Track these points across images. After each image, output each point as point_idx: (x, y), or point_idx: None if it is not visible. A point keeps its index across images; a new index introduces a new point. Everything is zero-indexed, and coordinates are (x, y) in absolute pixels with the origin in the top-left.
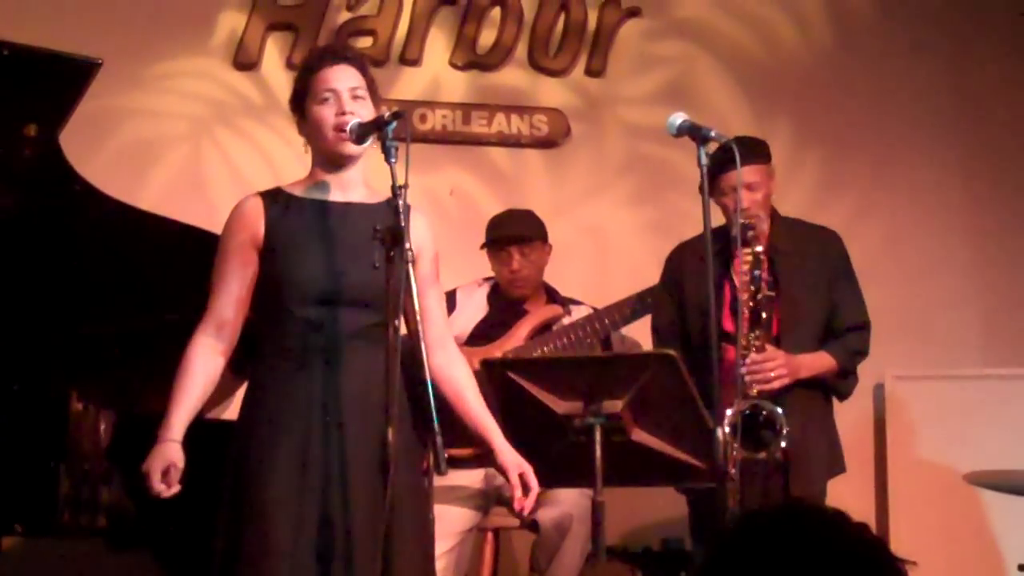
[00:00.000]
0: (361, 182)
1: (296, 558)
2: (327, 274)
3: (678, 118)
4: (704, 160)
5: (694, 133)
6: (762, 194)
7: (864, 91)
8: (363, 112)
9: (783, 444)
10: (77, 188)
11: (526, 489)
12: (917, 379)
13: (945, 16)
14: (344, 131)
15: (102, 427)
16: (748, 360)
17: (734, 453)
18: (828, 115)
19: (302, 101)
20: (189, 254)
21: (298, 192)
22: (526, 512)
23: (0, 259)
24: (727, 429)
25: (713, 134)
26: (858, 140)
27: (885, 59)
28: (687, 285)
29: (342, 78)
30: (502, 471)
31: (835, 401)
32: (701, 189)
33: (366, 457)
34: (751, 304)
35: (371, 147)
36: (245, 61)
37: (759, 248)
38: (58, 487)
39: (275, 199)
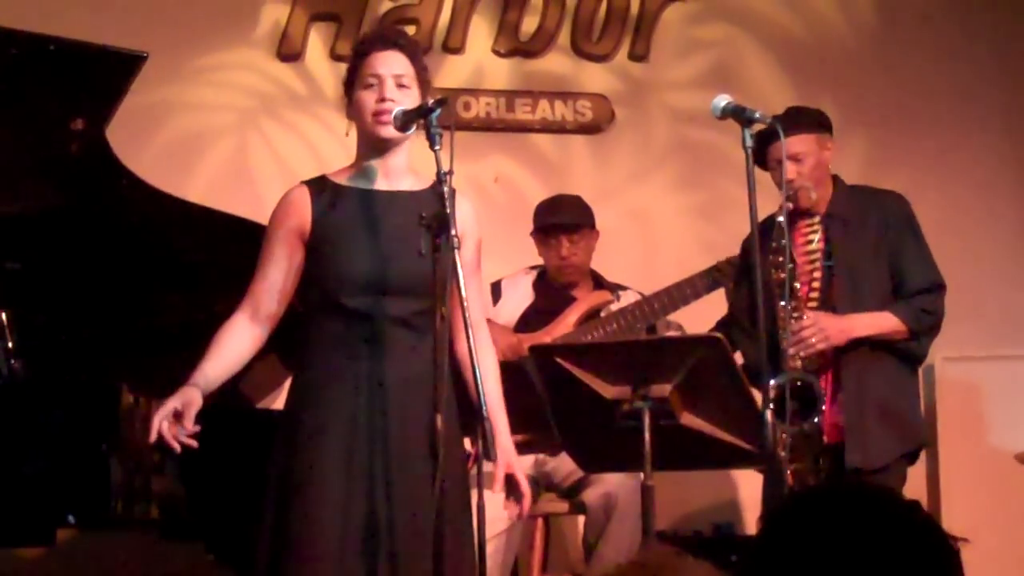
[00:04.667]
0: (407, 169)
1: (344, 543)
2: (373, 264)
3: (722, 100)
4: (749, 142)
5: (738, 115)
6: (809, 165)
7: (909, 70)
8: (406, 101)
9: (822, 409)
10: (125, 182)
11: (515, 491)
12: (968, 360)
13: None
14: (381, 117)
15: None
16: (790, 332)
17: (782, 435)
18: (873, 95)
19: (352, 84)
20: (237, 245)
21: (343, 180)
22: (522, 517)
23: (48, 253)
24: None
25: (758, 115)
26: (904, 120)
27: (929, 37)
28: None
29: (388, 64)
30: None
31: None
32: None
33: (412, 443)
34: (781, 276)
35: (417, 133)
36: (289, 52)
37: (816, 216)
38: (111, 478)
39: (321, 189)
